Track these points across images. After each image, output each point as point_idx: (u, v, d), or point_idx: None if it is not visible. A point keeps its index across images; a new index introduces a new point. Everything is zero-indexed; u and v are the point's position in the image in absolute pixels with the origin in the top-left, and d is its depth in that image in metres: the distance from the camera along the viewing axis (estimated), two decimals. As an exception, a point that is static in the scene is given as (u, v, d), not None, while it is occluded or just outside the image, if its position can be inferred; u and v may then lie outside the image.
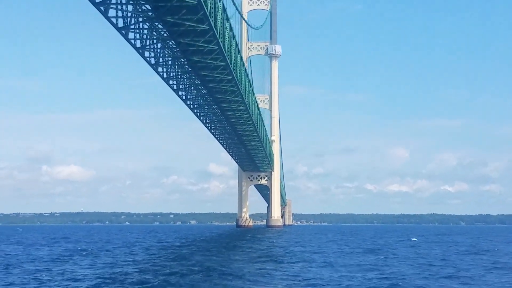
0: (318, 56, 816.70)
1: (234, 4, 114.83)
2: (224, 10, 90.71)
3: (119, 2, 74.21)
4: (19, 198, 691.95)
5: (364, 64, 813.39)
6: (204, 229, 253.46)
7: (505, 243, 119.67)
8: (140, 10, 78.72)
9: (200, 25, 79.02)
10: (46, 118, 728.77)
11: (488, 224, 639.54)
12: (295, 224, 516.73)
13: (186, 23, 78.09)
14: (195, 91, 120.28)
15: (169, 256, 69.59)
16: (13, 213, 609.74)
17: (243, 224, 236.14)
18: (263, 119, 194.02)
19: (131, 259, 64.02)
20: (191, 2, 72.75)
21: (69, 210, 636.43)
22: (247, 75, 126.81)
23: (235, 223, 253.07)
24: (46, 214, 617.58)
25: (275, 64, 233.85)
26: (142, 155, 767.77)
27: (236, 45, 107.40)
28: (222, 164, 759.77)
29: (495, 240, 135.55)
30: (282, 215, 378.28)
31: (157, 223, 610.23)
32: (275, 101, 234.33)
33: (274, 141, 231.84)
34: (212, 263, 55.33)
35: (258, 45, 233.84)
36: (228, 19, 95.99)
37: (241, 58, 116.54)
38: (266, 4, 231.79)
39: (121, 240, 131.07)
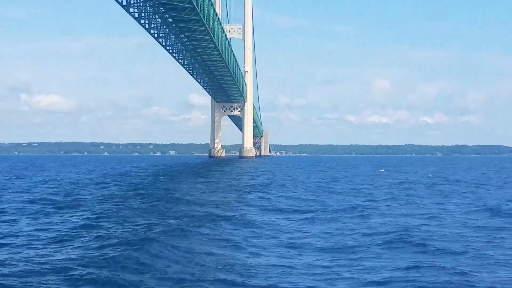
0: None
1: None
2: None
3: None
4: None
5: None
6: (172, 160, 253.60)
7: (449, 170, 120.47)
8: None
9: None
10: (27, 47, 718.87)
11: (464, 154, 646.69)
12: (273, 155, 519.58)
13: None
14: (159, 20, 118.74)
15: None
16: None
17: (216, 155, 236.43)
18: (232, 49, 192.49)
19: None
20: None
21: (48, 140, 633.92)
22: (212, 4, 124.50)
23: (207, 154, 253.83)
24: (24, 144, 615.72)
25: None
26: (125, 85, 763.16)
27: None
28: (205, 95, 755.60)
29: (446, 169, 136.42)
30: (258, 146, 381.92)
31: (136, 154, 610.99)
32: (248, 31, 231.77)
33: (247, 71, 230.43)
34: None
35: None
36: None
37: (211, 1, 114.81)
38: None
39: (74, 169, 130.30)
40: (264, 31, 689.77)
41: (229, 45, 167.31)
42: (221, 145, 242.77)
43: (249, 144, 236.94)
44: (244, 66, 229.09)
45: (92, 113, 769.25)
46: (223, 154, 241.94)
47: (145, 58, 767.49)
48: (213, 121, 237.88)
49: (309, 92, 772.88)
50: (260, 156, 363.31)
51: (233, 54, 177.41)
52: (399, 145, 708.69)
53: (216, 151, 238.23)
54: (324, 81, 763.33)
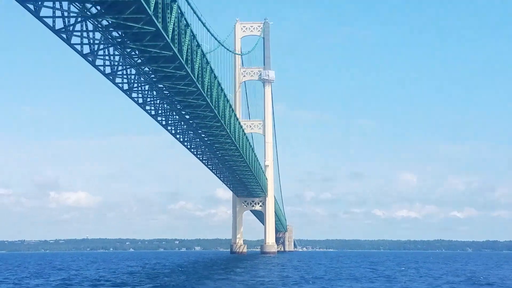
0: (326, 81, 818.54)
1: (211, 33, 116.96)
2: (203, 55, 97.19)
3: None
4: (25, 225, 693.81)
5: (372, 89, 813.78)
6: (194, 256, 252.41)
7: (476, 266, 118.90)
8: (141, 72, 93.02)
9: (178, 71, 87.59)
10: (54, 144, 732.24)
11: (495, 250, 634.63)
12: (298, 250, 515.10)
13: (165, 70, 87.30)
14: (177, 116, 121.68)
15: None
16: (18, 240, 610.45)
17: (237, 250, 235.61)
18: (253, 144, 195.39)
19: None
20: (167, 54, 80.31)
21: (75, 237, 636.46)
22: (228, 101, 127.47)
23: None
24: (51, 241, 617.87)
25: (268, 89, 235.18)
26: (150, 180, 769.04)
27: (215, 77, 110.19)
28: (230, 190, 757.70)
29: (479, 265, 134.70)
30: (283, 241, 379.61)
31: (162, 249, 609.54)
32: (268, 126, 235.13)
33: (268, 166, 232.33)
34: None
35: (252, 71, 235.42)
36: (208, 62, 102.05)
37: (221, 87, 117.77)
38: (258, 31, 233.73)
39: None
40: (288, 126, 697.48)
41: (247, 140, 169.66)
42: (243, 240, 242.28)
43: (271, 239, 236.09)
44: (265, 161, 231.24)
45: (118, 209, 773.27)
46: (245, 250, 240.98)
47: (170, 152, 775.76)
48: (234, 216, 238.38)
49: (336, 186, 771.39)
50: (284, 251, 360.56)
51: (252, 149, 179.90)
52: (428, 240, 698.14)
53: (237, 246, 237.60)
54: (351, 175, 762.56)
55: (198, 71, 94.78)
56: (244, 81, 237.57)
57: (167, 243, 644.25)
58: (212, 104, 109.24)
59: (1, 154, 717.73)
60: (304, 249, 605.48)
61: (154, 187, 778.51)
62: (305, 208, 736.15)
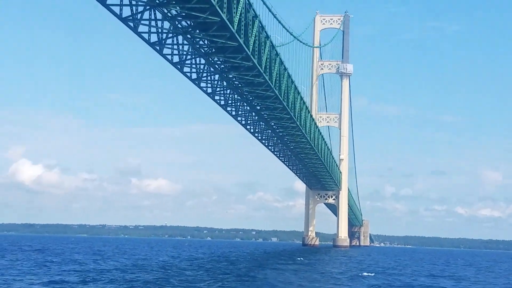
0: (408, 76, 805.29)
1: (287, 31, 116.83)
2: (272, 46, 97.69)
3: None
4: (107, 210, 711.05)
5: (455, 85, 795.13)
6: (267, 246, 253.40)
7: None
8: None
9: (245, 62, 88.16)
10: (136, 132, 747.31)
11: None
12: (376, 245, 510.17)
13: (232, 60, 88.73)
14: (248, 107, 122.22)
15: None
16: (99, 225, 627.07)
17: (309, 243, 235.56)
18: (326, 137, 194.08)
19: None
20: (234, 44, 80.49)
21: (154, 223, 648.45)
22: (299, 93, 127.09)
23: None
24: (130, 227, 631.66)
25: (346, 82, 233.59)
26: (231, 170, 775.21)
27: (285, 69, 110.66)
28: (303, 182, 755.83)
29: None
30: (358, 236, 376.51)
31: (239, 239, 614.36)
32: (344, 119, 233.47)
33: (343, 160, 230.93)
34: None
35: (330, 64, 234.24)
36: (277, 54, 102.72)
37: (291, 79, 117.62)
38: (338, 24, 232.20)
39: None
40: (370, 120, 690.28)
41: (320, 133, 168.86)
42: (316, 233, 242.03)
43: (343, 233, 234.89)
44: (339, 155, 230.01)
45: (197, 197, 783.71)
46: (317, 242, 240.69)
47: (247, 142, 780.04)
48: (307, 209, 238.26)
49: (417, 182, 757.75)
50: (359, 246, 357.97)
51: (325, 142, 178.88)
52: (511, 240, 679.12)
53: (309, 239, 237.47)
54: (433, 171, 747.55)
55: (266, 63, 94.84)
56: (322, 74, 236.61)
57: (244, 233, 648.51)
58: (281, 96, 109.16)
59: (86, 140, 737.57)
60: (382, 244, 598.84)
61: (233, 177, 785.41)
62: (385, 204, 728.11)
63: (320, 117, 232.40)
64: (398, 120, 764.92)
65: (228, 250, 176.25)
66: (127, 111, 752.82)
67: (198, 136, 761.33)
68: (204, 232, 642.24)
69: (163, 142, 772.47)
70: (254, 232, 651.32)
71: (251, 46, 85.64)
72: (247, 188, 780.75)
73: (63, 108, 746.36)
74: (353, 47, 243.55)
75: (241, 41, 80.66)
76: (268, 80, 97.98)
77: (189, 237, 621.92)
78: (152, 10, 75.06)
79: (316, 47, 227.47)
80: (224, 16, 72.56)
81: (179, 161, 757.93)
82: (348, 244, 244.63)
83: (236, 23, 77.24)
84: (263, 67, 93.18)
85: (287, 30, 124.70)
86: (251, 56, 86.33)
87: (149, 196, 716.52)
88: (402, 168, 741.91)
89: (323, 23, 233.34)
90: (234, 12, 76.14)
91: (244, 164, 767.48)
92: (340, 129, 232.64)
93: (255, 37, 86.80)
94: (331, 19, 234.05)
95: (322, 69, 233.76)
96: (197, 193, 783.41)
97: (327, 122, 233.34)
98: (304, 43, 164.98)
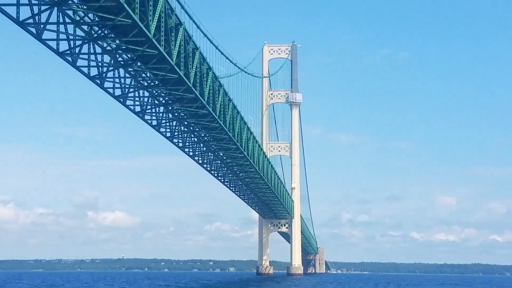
0: (360, 104, 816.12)
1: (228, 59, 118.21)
2: (215, 77, 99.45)
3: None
4: (63, 244, 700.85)
5: (409, 110, 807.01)
6: (217, 277, 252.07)
7: None
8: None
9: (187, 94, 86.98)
10: (92, 164, 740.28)
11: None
12: (333, 272, 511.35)
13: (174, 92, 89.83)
14: (195, 139, 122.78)
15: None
16: (55, 259, 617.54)
17: (263, 272, 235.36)
18: (275, 166, 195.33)
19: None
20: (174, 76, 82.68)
21: (111, 256, 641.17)
22: (245, 123, 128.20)
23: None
24: (87, 261, 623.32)
25: (295, 112, 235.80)
26: (188, 202, 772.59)
27: (230, 100, 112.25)
28: (256, 211, 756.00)
29: None
30: (314, 264, 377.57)
31: (196, 270, 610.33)
32: (295, 148, 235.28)
33: (294, 188, 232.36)
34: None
35: (279, 93, 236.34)
36: (221, 85, 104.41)
37: (236, 110, 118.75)
38: (286, 53, 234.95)
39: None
40: (325, 148, 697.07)
41: (269, 162, 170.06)
42: (270, 262, 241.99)
43: (297, 261, 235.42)
44: (291, 183, 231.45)
45: (155, 229, 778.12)
46: (271, 271, 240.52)
47: (203, 174, 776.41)
48: (260, 238, 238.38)
49: (373, 208, 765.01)
50: (314, 273, 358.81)
51: (275, 171, 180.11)
52: (465, 264, 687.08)
53: (264, 268, 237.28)
54: (388, 197, 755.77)
55: (208, 94, 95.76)
56: (272, 104, 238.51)
57: (201, 263, 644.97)
58: (226, 127, 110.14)
59: (41, 174, 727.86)
60: (339, 271, 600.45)
61: (190, 209, 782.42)
62: (342, 230, 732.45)
63: (272, 146, 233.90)
64: (352, 147, 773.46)
65: (181, 281, 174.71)
66: (79, 144, 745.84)
67: (152, 168, 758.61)
68: (162, 264, 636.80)
69: (117, 175, 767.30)
70: (211, 263, 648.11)
71: (192, 78, 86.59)
72: (204, 219, 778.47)
73: (15, 142, 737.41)
74: (304, 76, 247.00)
75: (182, 73, 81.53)
76: (212, 111, 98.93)
77: (146, 269, 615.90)
78: (91, 43, 75.66)
79: (265, 77, 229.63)
80: (162, 49, 73.38)
81: (135, 194, 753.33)
82: (302, 272, 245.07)
83: (175, 55, 78.20)
84: (205, 99, 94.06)
85: (231, 61, 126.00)
86: (192, 88, 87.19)
87: (106, 229, 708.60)
88: (359, 194, 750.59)
89: (271, 53, 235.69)
90: (173, 45, 77.09)
91: (201, 195, 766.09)
92: (291, 157, 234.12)
93: (196, 69, 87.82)
94: (279, 49, 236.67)
95: (272, 98, 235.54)
96: (155, 225, 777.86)
97: (279, 151, 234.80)
98: (249, 74, 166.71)
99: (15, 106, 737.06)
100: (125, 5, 62.26)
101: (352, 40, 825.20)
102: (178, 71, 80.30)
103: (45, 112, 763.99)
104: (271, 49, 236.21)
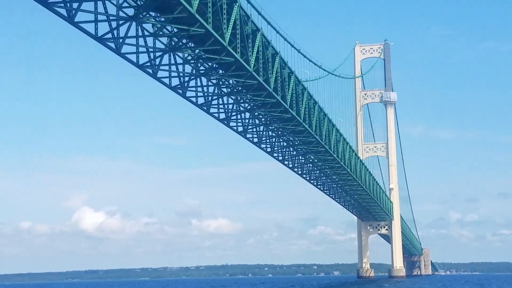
0: (460, 99, 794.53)
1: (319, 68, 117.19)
2: (298, 81, 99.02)
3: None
4: (168, 252, 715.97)
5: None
6: (319, 280, 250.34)
7: None
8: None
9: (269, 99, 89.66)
10: (194, 173, 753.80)
11: None
12: (440, 274, 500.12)
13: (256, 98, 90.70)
14: (284, 143, 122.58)
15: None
16: (161, 267, 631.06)
17: (364, 275, 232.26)
18: (374, 167, 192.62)
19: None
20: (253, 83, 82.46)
21: (215, 263, 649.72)
22: (333, 125, 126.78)
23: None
24: (192, 268, 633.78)
25: (390, 111, 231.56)
26: (288, 206, 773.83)
27: (318, 107, 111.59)
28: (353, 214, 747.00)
29: None
30: (419, 265, 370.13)
31: (300, 275, 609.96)
32: (392, 148, 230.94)
33: (392, 189, 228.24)
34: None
35: (373, 93, 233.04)
36: (305, 88, 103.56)
37: (323, 112, 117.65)
38: (379, 52, 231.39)
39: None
40: (428, 146, 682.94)
41: (363, 164, 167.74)
42: (371, 264, 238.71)
43: (398, 263, 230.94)
44: (389, 184, 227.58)
45: (258, 235, 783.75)
46: (372, 274, 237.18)
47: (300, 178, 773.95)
48: (360, 240, 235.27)
49: (482, 207, 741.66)
50: (420, 275, 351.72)
51: (370, 173, 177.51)
52: None
53: (364, 270, 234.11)
54: (498, 194, 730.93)
55: (291, 98, 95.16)
56: (367, 104, 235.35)
57: (305, 268, 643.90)
58: (313, 130, 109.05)
59: (143, 184, 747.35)
60: (448, 272, 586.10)
61: (293, 213, 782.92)
62: (450, 230, 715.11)
63: (367, 147, 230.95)
64: (456, 144, 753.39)
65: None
66: (176, 153, 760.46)
67: (249, 174, 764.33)
68: (265, 269, 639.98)
69: (217, 182, 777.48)
70: (315, 267, 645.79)
71: (273, 83, 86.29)
72: (306, 223, 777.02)
73: (120, 154, 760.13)
74: (399, 75, 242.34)
75: (261, 79, 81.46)
76: (296, 115, 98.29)
77: (250, 275, 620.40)
78: (171, 54, 76.46)
79: (357, 77, 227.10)
80: (238, 56, 73.45)
81: (236, 200, 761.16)
82: (404, 274, 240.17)
83: (253, 62, 77.99)
84: (288, 103, 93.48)
85: (315, 64, 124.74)
86: (273, 93, 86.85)
87: (210, 236, 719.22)
88: (466, 193, 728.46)
89: (363, 53, 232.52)
90: (250, 51, 76.93)
91: (301, 199, 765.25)
92: (387, 158, 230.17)
93: (276, 73, 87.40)
94: (371, 48, 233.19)
95: (365, 99, 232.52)
96: (258, 231, 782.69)
97: (374, 152, 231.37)
98: (336, 75, 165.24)
99: (111, 120, 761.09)
100: (197, 15, 62.37)
101: (449, 35, 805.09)
102: (257, 77, 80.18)
103: (139, 124, 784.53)
104: (363, 49, 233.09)
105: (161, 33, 71.07)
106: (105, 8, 62.92)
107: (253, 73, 78.56)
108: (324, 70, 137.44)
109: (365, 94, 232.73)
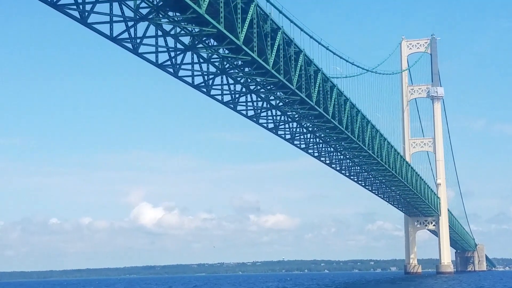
0: None
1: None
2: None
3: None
4: (225, 248, 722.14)
5: None
6: (369, 276, 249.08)
7: None
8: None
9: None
10: (251, 168, 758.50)
11: None
12: (498, 269, 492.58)
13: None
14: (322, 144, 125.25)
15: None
16: (218, 263, 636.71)
17: (411, 271, 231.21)
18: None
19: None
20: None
21: (271, 259, 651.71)
22: (368, 122, 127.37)
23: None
24: (248, 264, 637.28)
25: (437, 106, 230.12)
26: (346, 201, 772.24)
27: (354, 106, 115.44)
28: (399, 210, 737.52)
29: None
30: (473, 261, 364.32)
31: (356, 271, 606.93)
32: (439, 143, 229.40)
33: (440, 184, 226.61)
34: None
35: (420, 88, 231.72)
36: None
37: (356, 109, 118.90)
38: (425, 47, 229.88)
39: None
40: (489, 140, 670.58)
41: (403, 160, 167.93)
42: (417, 260, 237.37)
43: (446, 259, 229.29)
44: (436, 179, 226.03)
45: (316, 230, 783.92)
46: (419, 270, 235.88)
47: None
48: (407, 236, 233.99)
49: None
50: (474, 271, 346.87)
51: (412, 168, 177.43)
52: None
53: (411, 266, 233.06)
54: None
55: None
56: (415, 99, 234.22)
57: (362, 264, 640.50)
58: (343, 126, 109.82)
59: (201, 180, 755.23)
60: (507, 268, 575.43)
61: (351, 209, 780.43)
62: (511, 226, 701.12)
63: (414, 142, 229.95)
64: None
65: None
66: (234, 148, 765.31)
67: (305, 170, 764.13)
68: (322, 264, 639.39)
69: (275, 178, 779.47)
70: (372, 263, 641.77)
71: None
72: (364, 218, 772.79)
73: (177, 150, 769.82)
74: (449, 69, 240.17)
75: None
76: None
77: (306, 270, 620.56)
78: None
79: (404, 71, 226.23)
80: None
81: (294, 196, 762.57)
82: (452, 270, 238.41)
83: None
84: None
85: (347, 61, 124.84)
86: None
87: (268, 231, 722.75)
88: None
89: (410, 48, 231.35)
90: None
91: (360, 193, 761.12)
92: (434, 153, 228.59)
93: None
94: (418, 43, 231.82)
95: (412, 94, 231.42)
96: (315, 226, 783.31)
97: (421, 147, 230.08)
98: (378, 73, 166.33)
99: (169, 116, 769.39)
100: (206, 15, 64.36)
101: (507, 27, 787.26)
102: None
103: (196, 120, 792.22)
104: (409, 44, 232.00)
105: (182, 32, 73.13)
106: (121, 9, 64.58)
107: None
108: (362, 68, 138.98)
109: (412, 89, 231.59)
